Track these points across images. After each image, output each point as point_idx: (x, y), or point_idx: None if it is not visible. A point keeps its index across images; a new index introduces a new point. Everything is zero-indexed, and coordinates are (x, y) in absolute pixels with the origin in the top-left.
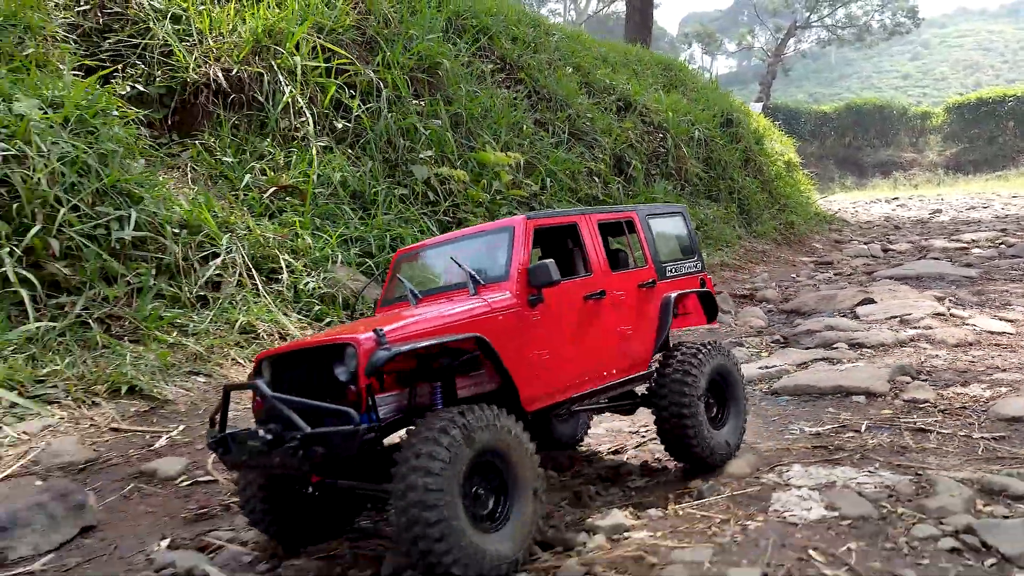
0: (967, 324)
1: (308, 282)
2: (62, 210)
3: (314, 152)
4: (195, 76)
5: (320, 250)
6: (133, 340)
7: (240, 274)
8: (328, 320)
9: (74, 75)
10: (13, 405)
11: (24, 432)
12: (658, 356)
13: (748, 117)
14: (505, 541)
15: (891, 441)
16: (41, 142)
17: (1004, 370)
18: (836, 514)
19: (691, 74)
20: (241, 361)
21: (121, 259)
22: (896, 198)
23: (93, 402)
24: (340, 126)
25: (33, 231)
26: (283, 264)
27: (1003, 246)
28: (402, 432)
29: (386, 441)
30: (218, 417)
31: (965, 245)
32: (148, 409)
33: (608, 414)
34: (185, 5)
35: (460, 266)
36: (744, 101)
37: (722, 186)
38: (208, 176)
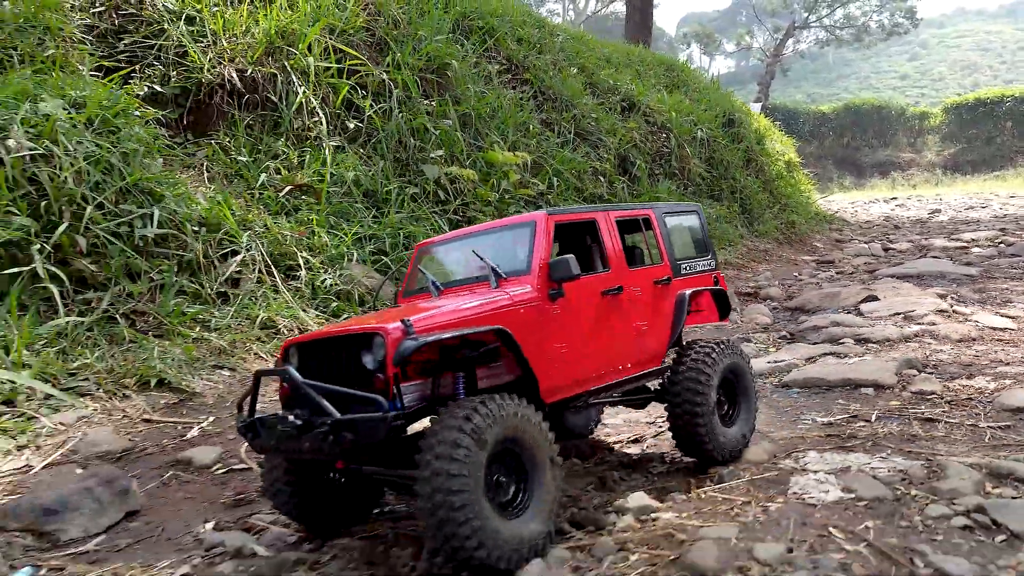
0: (970, 320)
1: (325, 279)
2: (88, 208)
3: (327, 151)
4: (210, 77)
5: (335, 248)
6: (157, 335)
7: (259, 271)
8: (345, 316)
9: (92, 76)
10: (48, 397)
11: (60, 423)
12: (671, 352)
13: (749, 117)
14: (525, 527)
15: (901, 430)
16: (67, 141)
17: (1007, 364)
18: (852, 496)
19: (693, 75)
20: (263, 355)
21: (144, 256)
22: (895, 198)
23: (124, 394)
24: (352, 126)
25: (61, 228)
26: (301, 261)
27: (1002, 245)
28: (425, 421)
29: (408, 429)
30: (246, 402)
31: (965, 244)
32: (177, 401)
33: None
34: (199, 7)
35: (482, 259)
36: (744, 101)
37: (724, 186)
38: (224, 175)
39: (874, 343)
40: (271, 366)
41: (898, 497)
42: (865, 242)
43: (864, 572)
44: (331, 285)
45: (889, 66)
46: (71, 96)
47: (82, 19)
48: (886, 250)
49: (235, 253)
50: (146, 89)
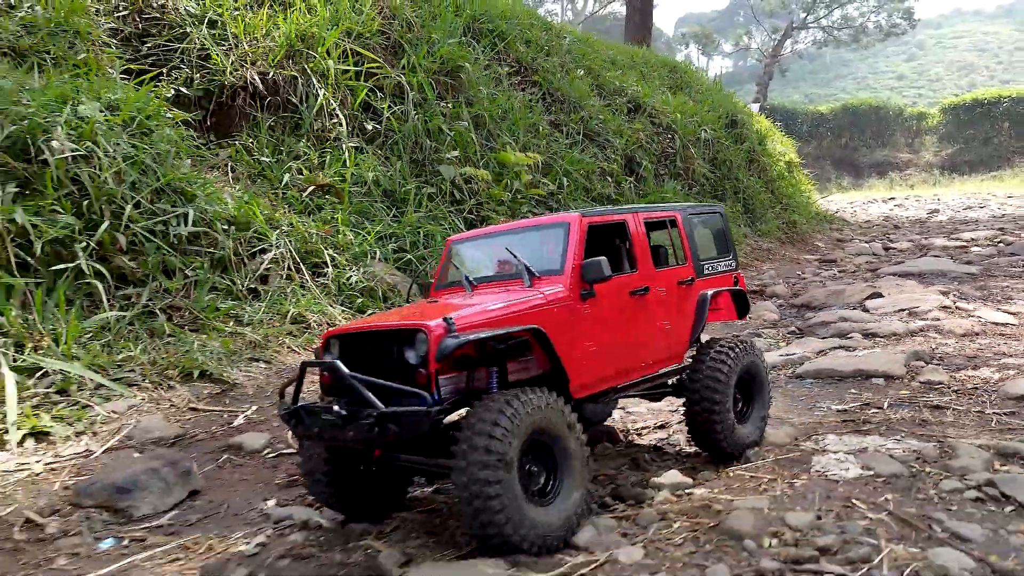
0: (972, 316)
1: (351, 276)
2: (127, 207)
3: (348, 152)
4: (232, 79)
5: (359, 246)
6: (193, 329)
7: (288, 268)
8: (370, 312)
9: (122, 79)
10: (99, 386)
11: (113, 411)
12: (691, 349)
13: (751, 118)
14: (555, 515)
15: (912, 416)
16: (106, 143)
17: (1010, 356)
18: (872, 473)
19: (696, 76)
20: (295, 349)
21: (178, 253)
22: (893, 198)
23: (168, 385)
24: (370, 127)
25: (103, 227)
26: (327, 259)
27: (1001, 244)
28: (458, 412)
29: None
30: (288, 391)
31: (964, 244)
32: (220, 392)
33: None
34: (220, 11)
35: (516, 258)
36: (745, 103)
37: (727, 186)
38: (248, 175)
39: (881, 337)
40: (304, 359)
41: (914, 474)
42: (866, 241)
43: (888, 536)
44: (356, 282)
45: (886, 66)
46: (106, 99)
47: (107, 23)
48: (887, 249)
49: (263, 251)
50: (172, 92)
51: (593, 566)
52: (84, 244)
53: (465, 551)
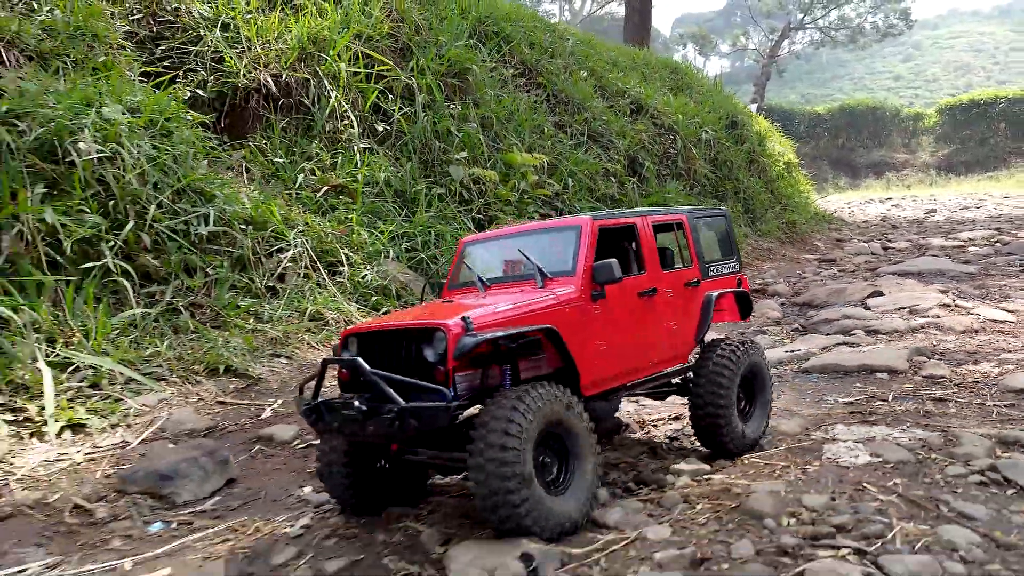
0: (971, 313)
1: (366, 274)
2: (151, 207)
3: (359, 153)
4: (245, 81)
5: (372, 245)
6: (215, 326)
7: (305, 266)
8: (385, 310)
9: (140, 82)
10: (129, 381)
11: (144, 404)
12: (696, 349)
13: (751, 119)
14: (569, 503)
15: (916, 408)
16: (129, 144)
17: (1009, 351)
18: (880, 459)
19: (696, 77)
20: (315, 345)
21: (198, 252)
22: (890, 198)
23: (195, 380)
24: (381, 129)
25: (129, 226)
26: (343, 257)
27: (998, 244)
28: (472, 409)
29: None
30: (308, 387)
31: (962, 243)
32: (245, 386)
33: None
34: (233, 14)
35: (529, 259)
36: (745, 104)
37: (728, 186)
38: (262, 176)
39: (883, 334)
40: (324, 355)
41: (920, 460)
42: (864, 241)
43: (898, 515)
44: (371, 281)
45: (883, 67)
46: (127, 101)
47: (122, 26)
48: (885, 249)
49: (280, 250)
50: (188, 94)
51: (625, 543)
52: (110, 243)
53: None
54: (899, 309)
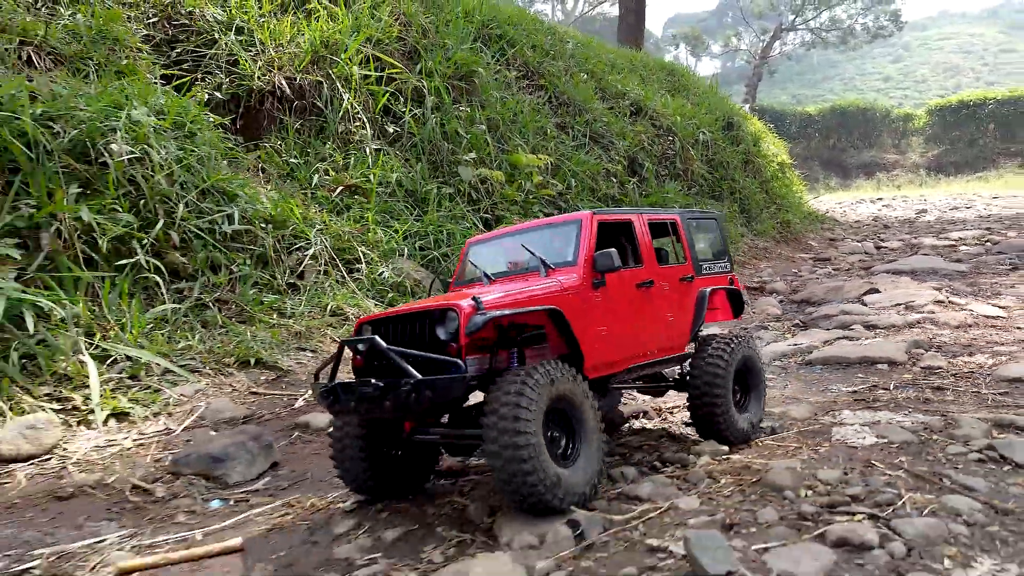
0: (965, 309)
1: (383, 271)
2: (180, 206)
3: (370, 154)
4: (260, 84)
5: (387, 243)
6: (240, 321)
7: (324, 263)
8: (400, 304)
9: (160, 84)
10: (166, 372)
11: (182, 394)
12: (692, 344)
13: (746, 120)
14: (579, 475)
15: (916, 395)
16: (157, 145)
17: (1002, 344)
18: (886, 440)
19: (693, 79)
20: (337, 340)
21: (223, 250)
22: (880, 198)
23: (227, 372)
24: (391, 130)
25: (159, 225)
26: (361, 255)
27: (988, 243)
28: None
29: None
30: (324, 372)
31: (953, 243)
32: (275, 378)
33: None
34: (247, 18)
35: (532, 252)
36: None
37: (725, 186)
38: (278, 176)
39: (881, 329)
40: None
41: (923, 441)
42: (857, 241)
43: (906, 487)
44: (387, 278)
45: (873, 68)
46: (152, 104)
47: (139, 29)
48: (878, 248)
49: (299, 248)
50: (206, 96)
51: (659, 511)
52: (142, 241)
53: None
54: (895, 305)
